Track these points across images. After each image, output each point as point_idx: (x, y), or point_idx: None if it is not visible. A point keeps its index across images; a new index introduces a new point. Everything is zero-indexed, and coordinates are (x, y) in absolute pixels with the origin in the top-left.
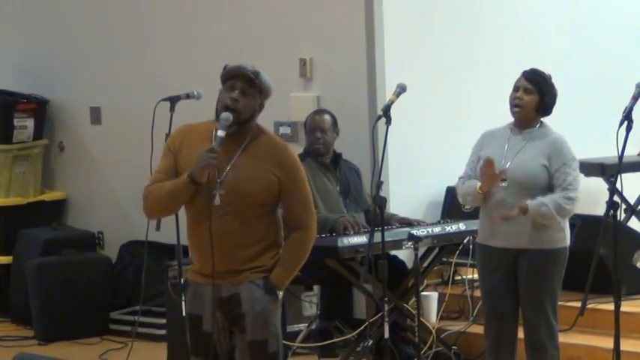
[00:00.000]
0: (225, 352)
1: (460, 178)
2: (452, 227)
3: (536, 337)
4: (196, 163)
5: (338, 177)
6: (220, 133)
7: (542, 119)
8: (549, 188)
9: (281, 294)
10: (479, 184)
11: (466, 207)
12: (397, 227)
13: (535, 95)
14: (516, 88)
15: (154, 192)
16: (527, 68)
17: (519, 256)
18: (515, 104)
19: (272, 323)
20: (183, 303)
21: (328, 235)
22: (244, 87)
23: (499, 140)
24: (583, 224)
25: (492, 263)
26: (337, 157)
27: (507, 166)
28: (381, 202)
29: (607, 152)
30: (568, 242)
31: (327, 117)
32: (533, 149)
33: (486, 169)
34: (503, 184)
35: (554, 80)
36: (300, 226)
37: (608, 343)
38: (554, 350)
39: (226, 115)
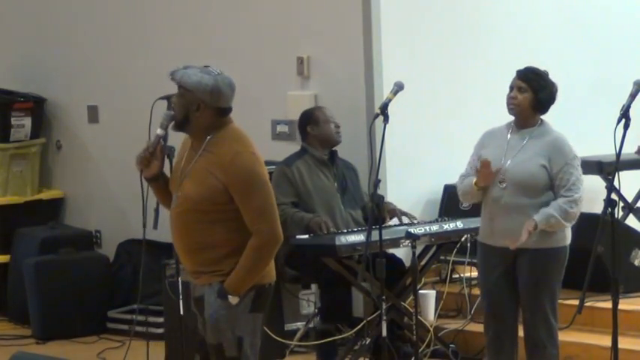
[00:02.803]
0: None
1: (461, 175)
2: (449, 225)
3: (536, 336)
4: None
5: (335, 173)
6: (159, 131)
7: (542, 117)
8: (549, 188)
9: (234, 299)
10: (474, 179)
11: (464, 205)
12: (395, 225)
13: (529, 93)
14: (511, 88)
15: None
16: (523, 67)
17: (519, 254)
18: (510, 104)
19: (225, 328)
20: (180, 302)
21: (325, 233)
22: (178, 89)
23: (499, 140)
24: (581, 222)
25: (492, 262)
26: (333, 153)
27: (507, 165)
28: (378, 201)
29: (605, 150)
30: (568, 241)
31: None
32: (533, 149)
33: (482, 169)
34: (502, 185)
35: (550, 77)
36: (254, 232)
37: (605, 341)
38: (554, 349)
39: (166, 113)
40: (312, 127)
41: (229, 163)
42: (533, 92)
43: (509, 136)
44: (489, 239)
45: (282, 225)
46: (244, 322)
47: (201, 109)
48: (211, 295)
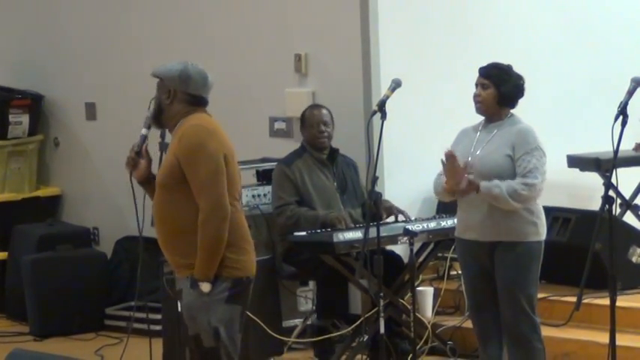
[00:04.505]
0: None
1: (438, 174)
2: (447, 222)
3: (517, 332)
4: None
5: (334, 172)
6: (143, 131)
7: (511, 111)
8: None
9: (205, 286)
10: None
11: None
12: (392, 222)
13: (492, 89)
14: (475, 86)
15: None
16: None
17: (494, 249)
18: (474, 101)
19: (201, 318)
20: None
21: (323, 230)
22: None
23: (470, 136)
24: (578, 219)
25: (469, 256)
26: (334, 152)
27: (477, 154)
28: (376, 198)
29: (602, 147)
30: (542, 237)
31: (325, 111)
32: (499, 140)
33: (449, 165)
34: (470, 176)
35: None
36: (200, 207)
37: (603, 338)
38: (539, 344)
39: (147, 113)
40: (301, 128)
41: (181, 135)
42: (496, 87)
43: (479, 131)
44: (463, 233)
45: (294, 225)
46: (220, 313)
47: (172, 96)
48: (186, 287)
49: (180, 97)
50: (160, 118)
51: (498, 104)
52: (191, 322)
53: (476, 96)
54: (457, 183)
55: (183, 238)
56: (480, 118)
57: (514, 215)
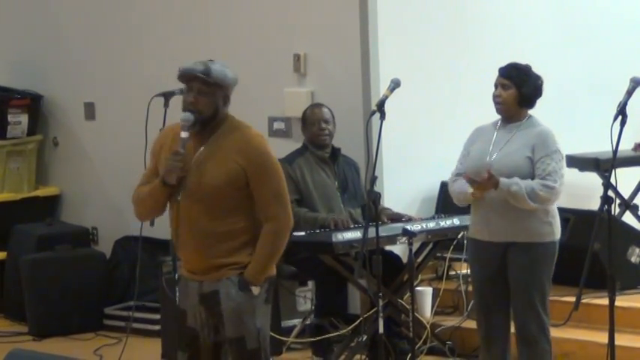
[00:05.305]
0: (209, 346)
1: (452, 174)
2: (446, 222)
3: (527, 331)
4: (164, 166)
5: (336, 172)
6: (183, 134)
7: (529, 112)
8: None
9: (256, 290)
10: (470, 190)
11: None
12: (391, 222)
13: (513, 89)
14: (495, 86)
15: (138, 195)
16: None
17: (508, 249)
18: (495, 102)
19: (248, 320)
20: (177, 299)
21: (322, 230)
22: (200, 87)
23: (487, 135)
24: (577, 219)
25: (482, 257)
26: (336, 151)
27: (493, 158)
28: (375, 197)
29: (601, 147)
30: (557, 237)
31: (326, 109)
32: (519, 142)
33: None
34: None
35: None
36: (270, 218)
37: (602, 337)
38: (546, 345)
39: (185, 116)
40: (302, 128)
41: (247, 145)
42: (517, 88)
43: (496, 131)
44: (478, 234)
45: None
46: (262, 313)
47: (226, 102)
48: (231, 289)
49: (228, 101)
50: (211, 122)
51: (519, 105)
52: (236, 324)
53: (496, 97)
54: (477, 173)
55: (229, 242)
56: (492, 118)
57: (530, 216)
